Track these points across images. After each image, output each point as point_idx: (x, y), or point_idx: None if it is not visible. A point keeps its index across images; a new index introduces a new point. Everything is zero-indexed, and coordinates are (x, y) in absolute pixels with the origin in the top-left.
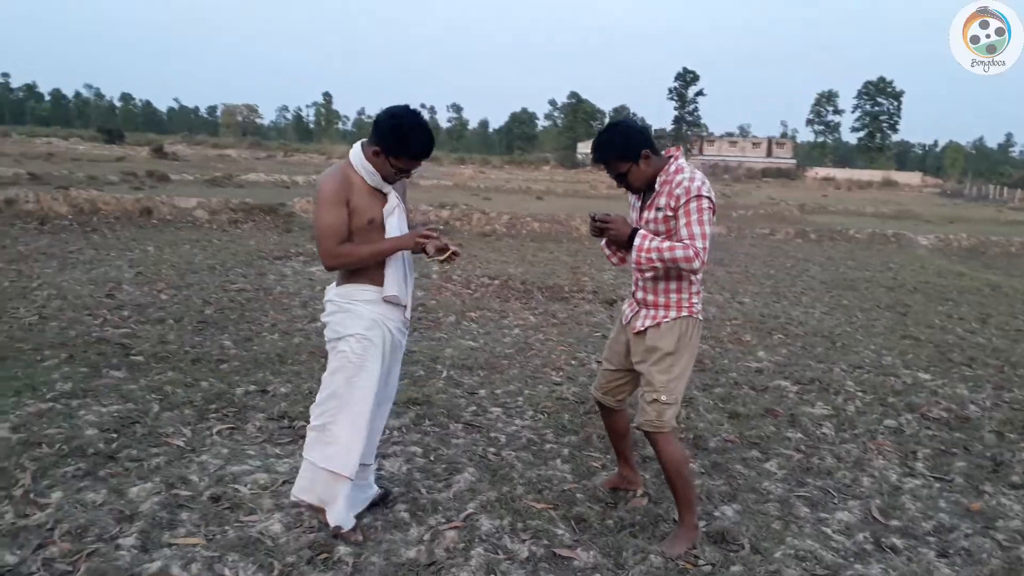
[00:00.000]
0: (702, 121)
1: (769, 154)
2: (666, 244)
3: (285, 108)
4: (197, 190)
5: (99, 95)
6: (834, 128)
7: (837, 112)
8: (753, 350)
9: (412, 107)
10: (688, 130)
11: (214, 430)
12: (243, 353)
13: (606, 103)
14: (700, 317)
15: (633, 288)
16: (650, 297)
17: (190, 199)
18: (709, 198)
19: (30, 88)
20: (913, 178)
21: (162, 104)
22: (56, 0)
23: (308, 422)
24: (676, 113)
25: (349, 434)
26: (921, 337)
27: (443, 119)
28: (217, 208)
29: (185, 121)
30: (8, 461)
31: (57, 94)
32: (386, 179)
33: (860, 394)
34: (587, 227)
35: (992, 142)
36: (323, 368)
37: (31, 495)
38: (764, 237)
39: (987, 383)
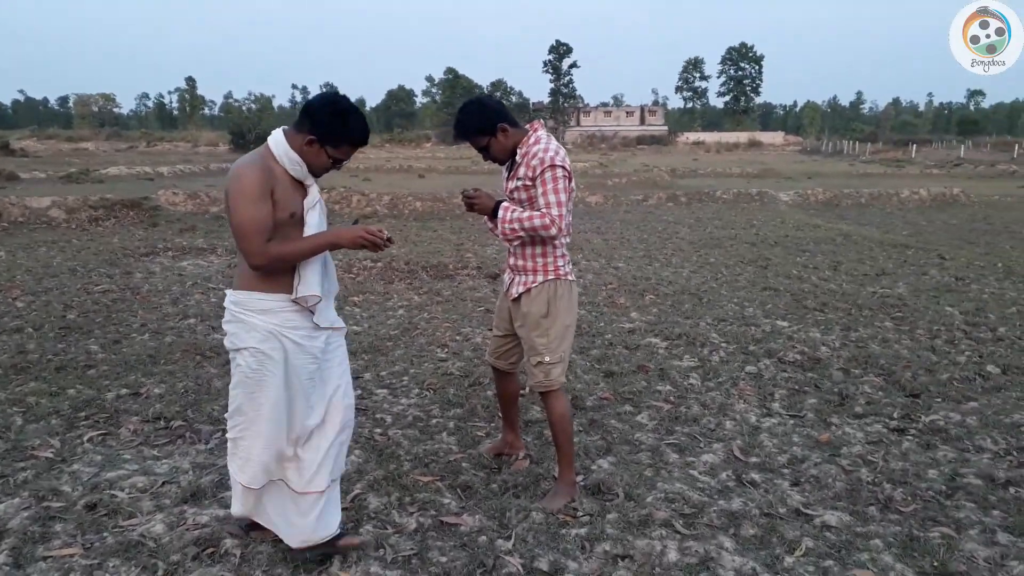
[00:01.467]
0: (578, 93)
1: (642, 122)
2: (526, 214)
3: (145, 95)
4: (51, 188)
5: None
6: (702, 94)
7: (704, 78)
8: (627, 312)
9: (340, 93)
10: (564, 102)
11: (85, 438)
12: (112, 356)
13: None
14: (571, 279)
15: (507, 256)
16: (520, 262)
17: (43, 198)
18: (563, 167)
19: None
20: (776, 138)
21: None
22: None
23: (184, 421)
24: (552, 86)
25: (258, 451)
26: (780, 288)
27: None
28: (74, 206)
29: (33, 114)
30: None
31: None
32: (315, 171)
33: (724, 345)
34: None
35: (844, 100)
36: (199, 366)
37: None
38: (638, 203)
39: (836, 325)
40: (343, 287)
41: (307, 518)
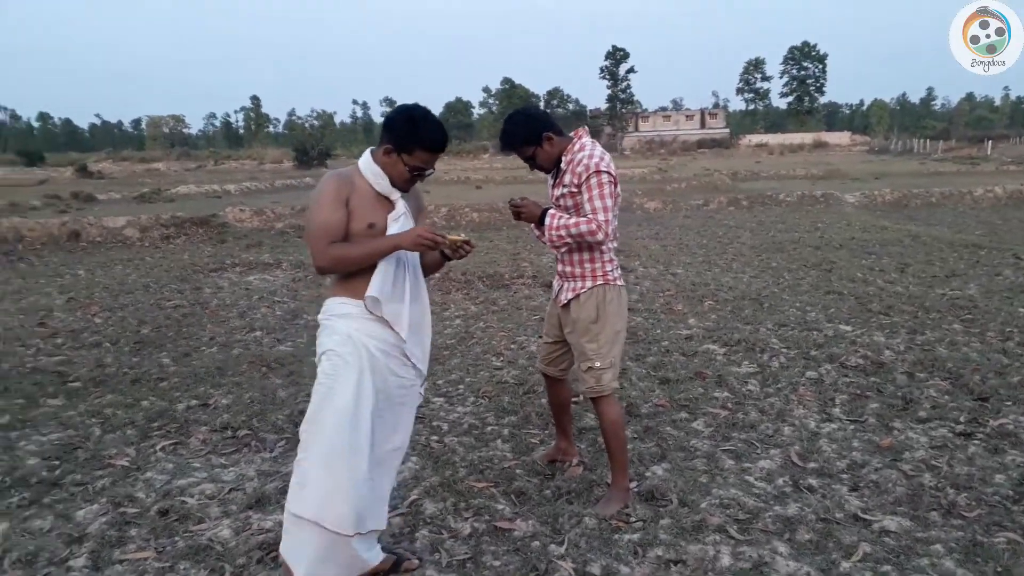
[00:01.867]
0: (635, 98)
1: (703, 125)
2: (572, 220)
3: (213, 115)
4: (126, 208)
5: (15, 116)
6: (764, 95)
7: (765, 79)
8: (684, 318)
9: (416, 104)
10: (622, 108)
11: (158, 447)
12: (182, 369)
13: (540, 86)
14: (619, 283)
15: (556, 263)
16: (568, 269)
17: (119, 218)
18: (608, 172)
19: None
20: (842, 138)
21: (83, 121)
22: None
23: (250, 430)
24: (609, 91)
25: (320, 472)
26: (844, 291)
27: (376, 114)
28: (147, 225)
29: (108, 137)
30: None
31: None
32: (397, 182)
33: (784, 350)
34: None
35: (914, 97)
36: (264, 377)
37: None
38: (698, 208)
39: (902, 329)
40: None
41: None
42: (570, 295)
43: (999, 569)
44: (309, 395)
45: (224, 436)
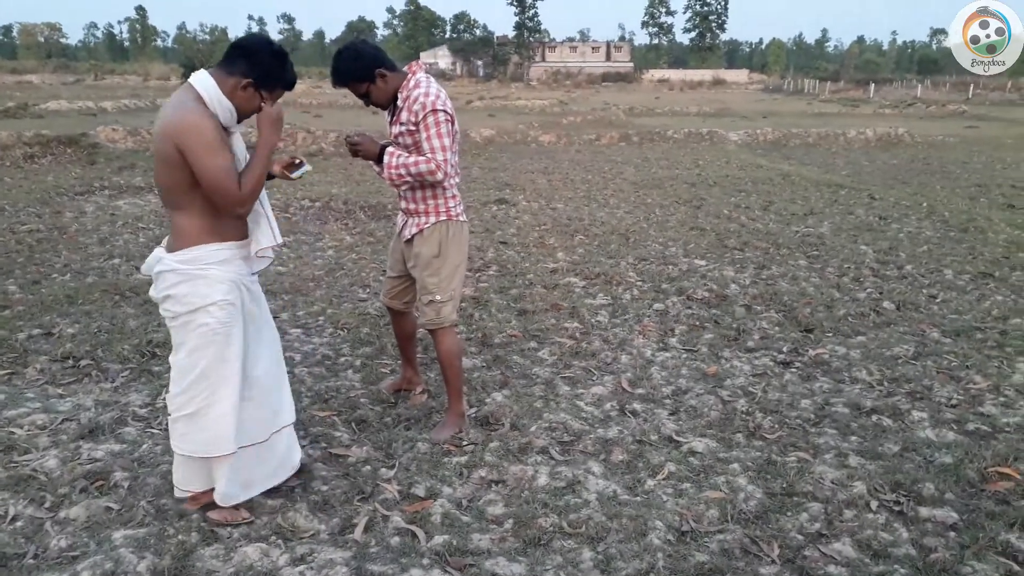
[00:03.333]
0: (543, 27)
1: (608, 58)
2: (411, 159)
3: (94, 25)
4: None
5: None
6: (668, 30)
7: (670, 13)
8: (553, 252)
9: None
10: (529, 36)
11: None
12: (29, 297)
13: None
14: (461, 219)
15: (398, 199)
16: (411, 206)
17: None
18: (444, 110)
19: None
20: (740, 76)
21: None
22: None
23: (92, 360)
24: (517, 19)
25: (228, 413)
26: (707, 227)
27: (274, 31)
28: (8, 143)
29: None
30: None
31: None
32: (243, 116)
33: (639, 283)
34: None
35: (810, 38)
36: (116, 305)
37: None
38: (590, 143)
39: (751, 264)
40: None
41: (282, 452)
42: (414, 230)
43: (784, 484)
44: (161, 324)
45: (65, 366)
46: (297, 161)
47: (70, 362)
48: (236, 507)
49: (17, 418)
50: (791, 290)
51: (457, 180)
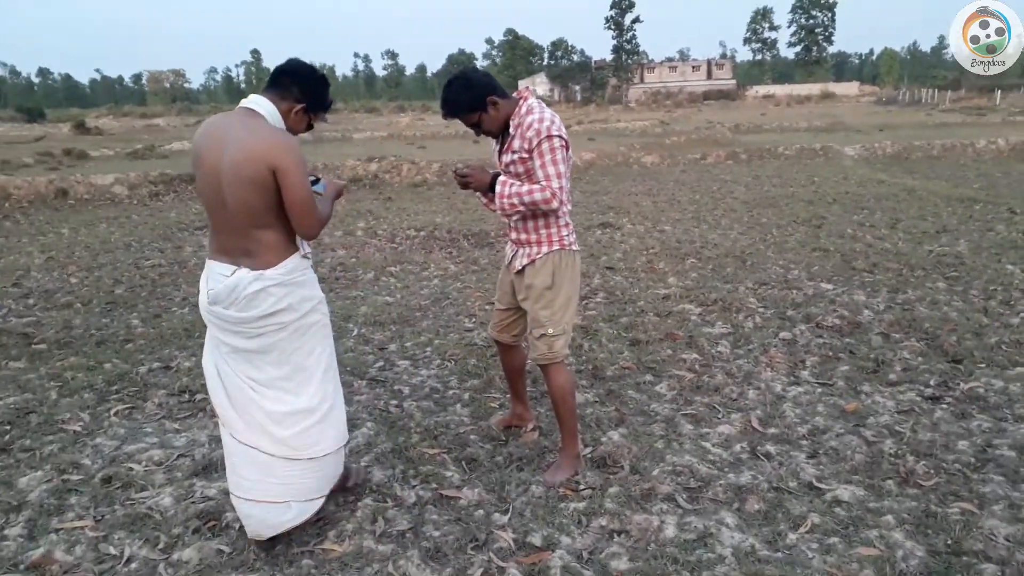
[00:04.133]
0: (641, 48)
1: (709, 76)
2: (525, 188)
3: (214, 70)
4: (117, 165)
5: (15, 72)
6: (771, 45)
7: (773, 28)
8: (664, 277)
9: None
10: (627, 59)
11: (112, 411)
12: (150, 331)
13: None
14: (574, 248)
15: (508, 229)
16: (523, 236)
17: (107, 176)
18: (560, 136)
19: None
20: (851, 88)
21: (83, 76)
22: None
23: (207, 394)
24: (615, 42)
25: (341, 404)
26: (831, 248)
27: (379, 67)
28: (136, 182)
29: (110, 92)
30: None
31: None
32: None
33: (761, 310)
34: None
35: (926, 46)
36: None
37: None
38: (695, 162)
39: (884, 287)
40: (382, 257)
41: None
42: (525, 261)
43: (949, 541)
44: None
45: (181, 400)
46: (312, 178)
47: (186, 396)
48: None
49: (136, 453)
50: (932, 316)
51: (569, 208)
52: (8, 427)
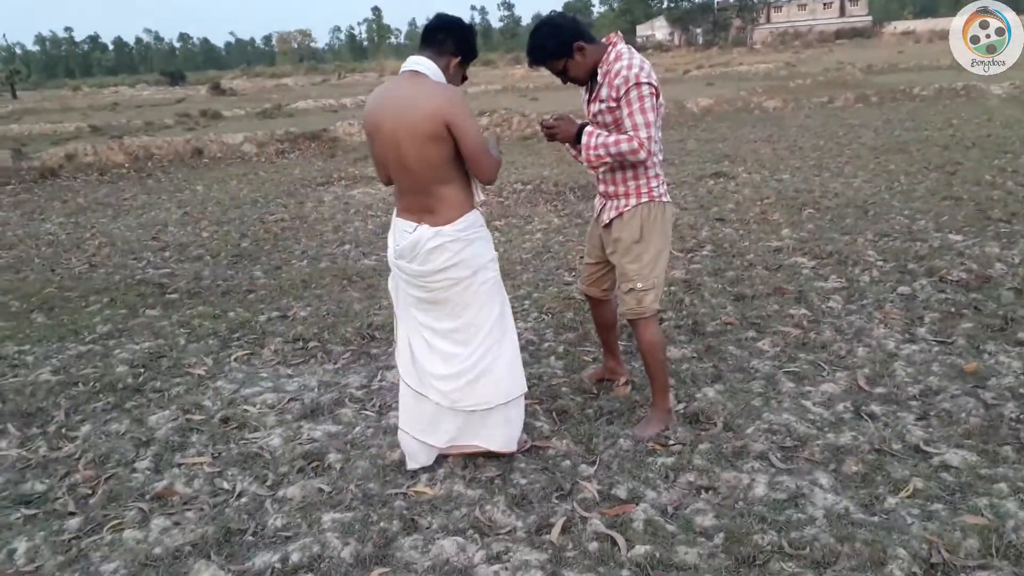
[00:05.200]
0: None
1: (842, 13)
2: (612, 138)
3: (338, 29)
4: (248, 124)
5: (159, 39)
6: None
7: None
8: (778, 228)
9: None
10: None
11: (233, 357)
12: (271, 282)
13: None
14: (665, 200)
15: (596, 181)
16: (611, 188)
17: (237, 135)
18: (649, 83)
19: (94, 40)
20: (1009, 17)
21: (219, 40)
22: None
23: (319, 342)
24: None
25: (515, 355)
26: (964, 196)
27: (495, 19)
28: (263, 140)
29: (243, 54)
30: (47, 401)
31: (119, 42)
32: None
33: (880, 263)
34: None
35: None
36: (343, 290)
37: (63, 430)
38: (821, 106)
39: (1022, 239)
40: (488, 212)
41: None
42: (613, 214)
43: None
44: (381, 307)
45: (295, 347)
46: None
47: (300, 343)
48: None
49: (251, 396)
50: None
51: (661, 158)
52: (142, 370)
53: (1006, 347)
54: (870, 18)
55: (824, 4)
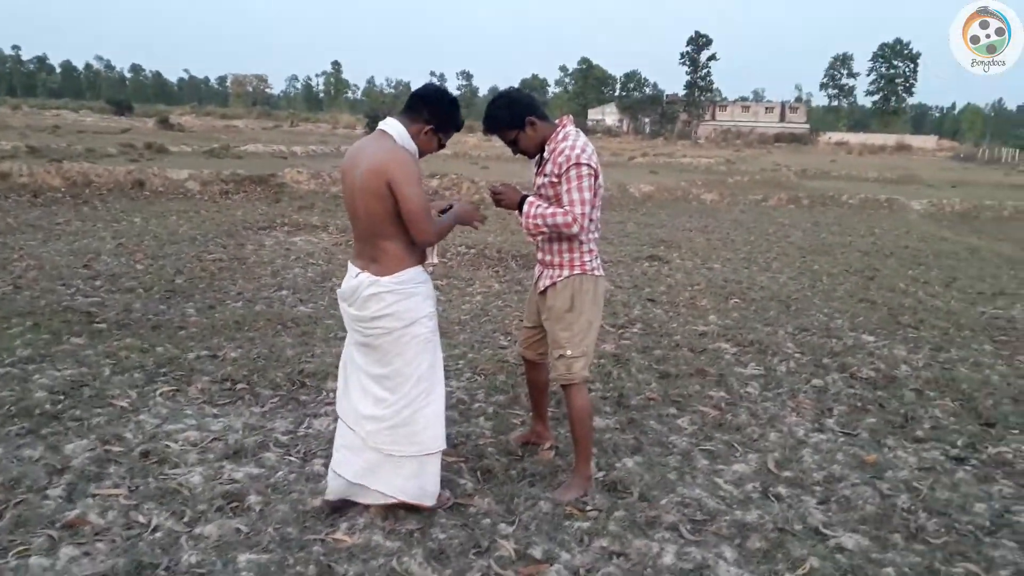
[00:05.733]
0: (715, 86)
1: (782, 119)
2: (550, 210)
3: (295, 78)
4: (193, 161)
5: (110, 67)
6: (849, 92)
7: (852, 75)
8: (705, 314)
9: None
10: (701, 95)
11: (158, 392)
12: (203, 320)
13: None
14: (597, 274)
15: (535, 250)
16: (547, 257)
17: (182, 171)
18: (588, 164)
19: (41, 61)
20: (928, 142)
21: (172, 75)
22: None
23: (248, 384)
24: (688, 78)
25: (441, 413)
26: (879, 300)
27: (453, 87)
28: (208, 179)
29: (195, 91)
30: None
31: (67, 66)
32: (423, 154)
33: (797, 355)
34: None
35: (1012, 103)
36: (276, 335)
37: None
38: (756, 204)
39: (927, 344)
40: (434, 271)
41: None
42: (547, 283)
43: None
44: (314, 355)
45: (223, 387)
46: (446, 207)
47: (228, 384)
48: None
49: (174, 432)
50: (972, 377)
51: (596, 236)
52: (62, 397)
53: (904, 443)
54: (808, 126)
55: (766, 108)
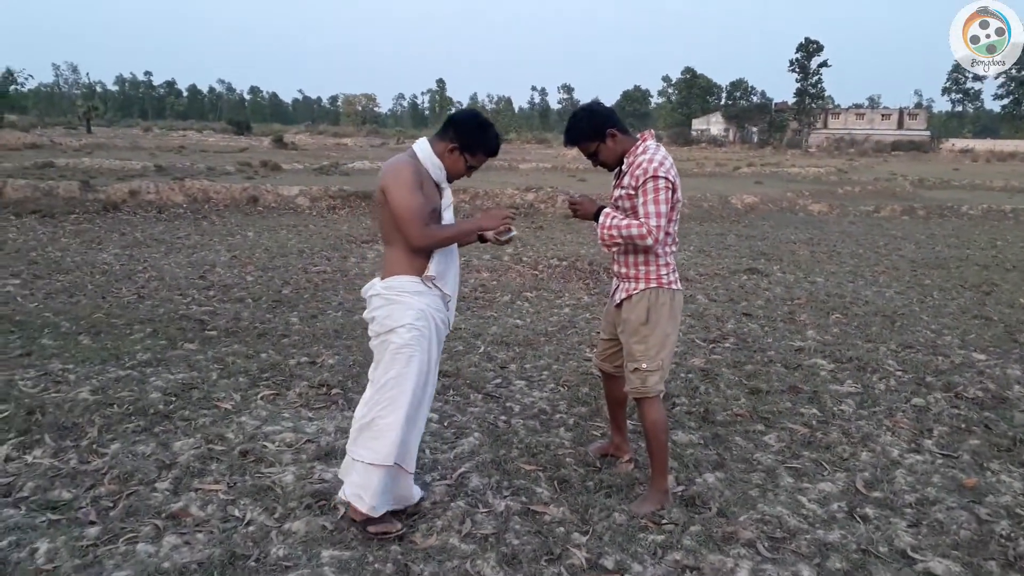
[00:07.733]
0: (827, 93)
1: (900, 126)
2: (624, 222)
3: (401, 96)
4: (304, 178)
5: (231, 89)
6: (975, 96)
7: (978, 78)
8: (803, 329)
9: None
10: (811, 103)
11: (260, 396)
12: (306, 329)
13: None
14: (674, 287)
15: (611, 262)
16: (623, 270)
17: (293, 187)
18: (666, 178)
19: (170, 85)
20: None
21: (288, 96)
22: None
23: (342, 390)
24: (798, 85)
25: (394, 427)
26: (994, 317)
27: (554, 101)
28: (317, 195)
29: (308, 111)
30: (82, 418)
31: (193, 89)
32: (452, 175)
33: (899, 373)
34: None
35: None
36: None
37: (94, 445)
38: (867, 215)
39: None
40: (521, 282)
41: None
42: (623, 295)
43: None
44: None
45: (319, 392)
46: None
47: (324, 389)
48: (388, 518)
49: (272, 434)
50: None
51: (674, 249)
52: (174, 398)
53: (1010, 467)
54: (928, 133)
55: (883, 115)
